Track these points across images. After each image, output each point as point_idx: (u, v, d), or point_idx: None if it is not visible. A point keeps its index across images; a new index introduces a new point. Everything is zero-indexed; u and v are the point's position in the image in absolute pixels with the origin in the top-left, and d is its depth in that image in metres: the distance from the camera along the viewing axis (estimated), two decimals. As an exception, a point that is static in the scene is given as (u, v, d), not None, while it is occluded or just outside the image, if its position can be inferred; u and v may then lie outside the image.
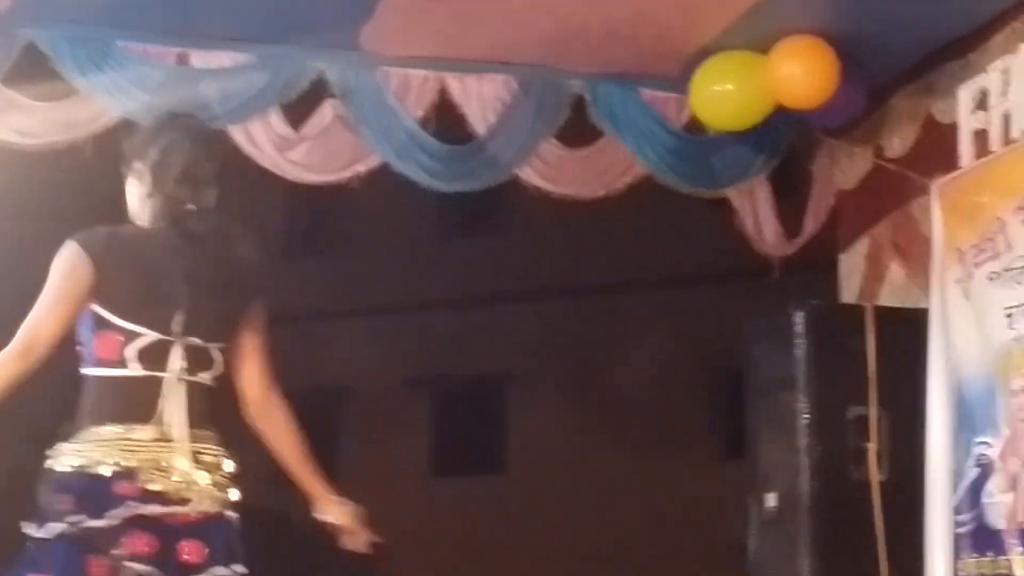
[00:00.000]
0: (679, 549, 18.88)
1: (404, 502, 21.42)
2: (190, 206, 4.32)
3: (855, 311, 6.99)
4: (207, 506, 4.20)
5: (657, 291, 20.40)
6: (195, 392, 4.26)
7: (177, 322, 4.20)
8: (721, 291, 18.15)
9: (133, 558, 4.08)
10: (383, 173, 7.59)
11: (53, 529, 4.08)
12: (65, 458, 4.17)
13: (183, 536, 4.17)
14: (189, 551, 4.17)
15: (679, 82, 7.59)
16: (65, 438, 4.20)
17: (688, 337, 19.60)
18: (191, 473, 4.17)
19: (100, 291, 4.18)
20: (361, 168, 7.60)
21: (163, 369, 4.20)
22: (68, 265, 4.18)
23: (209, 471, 4.24)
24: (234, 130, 7.30)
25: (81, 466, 4.14)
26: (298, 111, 7.49)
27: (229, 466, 4.33)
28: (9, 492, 4.40)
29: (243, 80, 7.30)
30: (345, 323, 21.95)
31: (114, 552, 4.08)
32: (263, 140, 7.43)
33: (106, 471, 4.12)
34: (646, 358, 19.67)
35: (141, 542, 4.10)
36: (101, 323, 4.20)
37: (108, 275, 4.18)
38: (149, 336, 4.18)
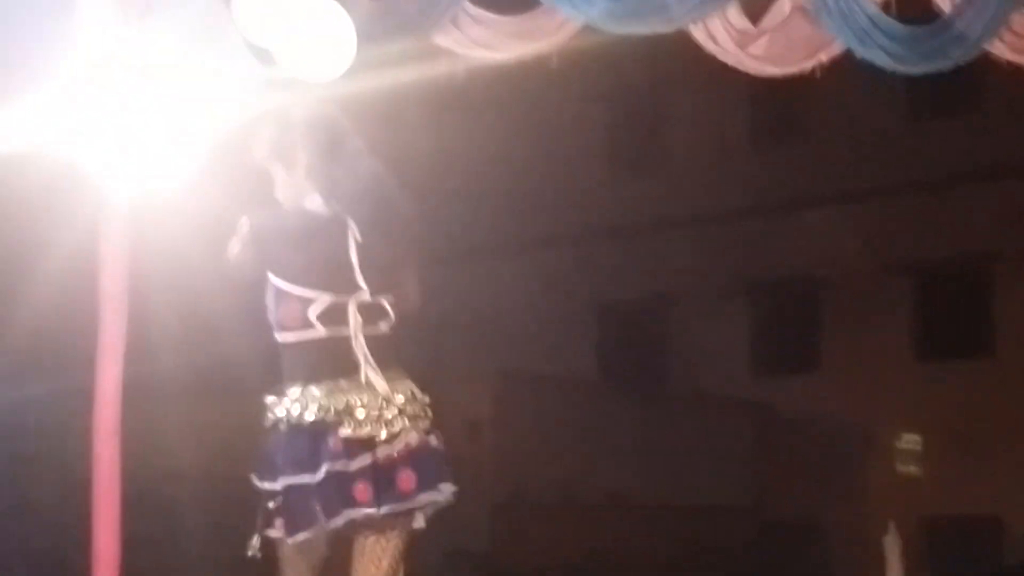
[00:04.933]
0: None
1: (888, 387, 21.21)
2: (337, 169, 4.72)
3: None
4: (411, 439, 4.65)
5: None
6: (375, 341, 4.66)
7: (348, 282, 4.64)
8: None
9: (355, 505, 4.56)
10: (846, 60, 7.49)
11: (279, 482, 4.62)
12: (275, 413, 4.69)
13: (398, 468, 4.63)
14: (403, 481, 4.63)
15: None
16: (277, 395, 4.70)
17: None
18: (389, 414, 4.63)
19: (271, 263, 4.65)
20: (823, 57, 7.51)
21: (345, 325, 4.62)
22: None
23: (404, 408, 4.68)
24: (694, 29, 7.35)
25: (288, 420, 4.64)
26: (756, 5, 7.45)
27: (424, 399, 4.76)
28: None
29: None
30: (819, 212, 21.77)
31: (332, 498, 4.57)
32: (723, 37, 7.44)
33: (310, 420, 4.60)
34: None
35: (359, 490, 4.58)
36: (280, 293, 4.66)
37: (275, 249, 4.64)
38: (325, 298, 4.61)
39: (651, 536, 19.61)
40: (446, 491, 4.70)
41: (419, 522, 4.78)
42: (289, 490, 4.60)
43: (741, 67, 7.54)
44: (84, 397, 5.77)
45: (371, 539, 4.73)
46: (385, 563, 4.75)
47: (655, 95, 23.50)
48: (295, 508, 4.59)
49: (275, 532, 4.67)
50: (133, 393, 5.74)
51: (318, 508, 4.56)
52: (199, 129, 5.58)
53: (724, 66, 7.53)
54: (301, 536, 4.59)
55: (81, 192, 5.71)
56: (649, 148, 24.15)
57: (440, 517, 4.90)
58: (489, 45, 7.27)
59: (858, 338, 21.73)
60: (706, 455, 20.60)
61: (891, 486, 20.72)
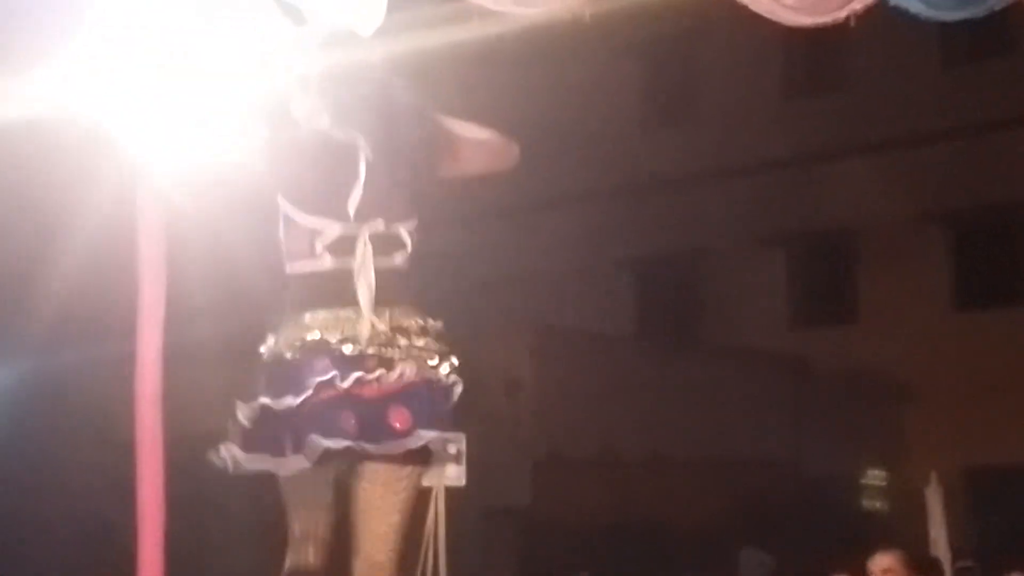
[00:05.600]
0: None
1: (928, 337, 21.15)
2: (347, 89, 4.51)
3: None
4: (407, 371, 4.31)
5: None
6: (387, 275, 4.35)
7: (360, 211, 4.36)
8: None
9: (335, 433, 4.18)
10: (879, 8, 7.43)
11: (254, 409, 4.34)
12: (268, 344, 4.43)
13: (388, 404, 4.27)
14: (396, 417, 4.28)
15: None
16: (273, 329, 4.44)
17: None
18: (389, 349, 4.30)
19: (282, 182, 4.43)
20: (857, 6, 7.45)
21: (352, 256, 4.33)
22: None
23: (406, 343, 4.34)
24: (726, -21, 7.29)
25: (278, 350, 4.37)
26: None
27: (435, 329, 4.43)
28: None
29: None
30: (854, 161, 21.69)
31: (302, 428, 4.21)
32: (757, -13, 7.38)
33: (297, 352, 4.31)
34: None
35: (344, 417, 4.21)
36: (289, 221, 4.43)
37: (287, 167, 4.43)
38: (335, 228, 4.34)
39: (690, 491, 19.66)
40: (448, 436, 4.34)
41: (456, 479, 4.60)
42: (263, 411, 4.32)
43: (774, 17, 7.47)
44: (126, 363, 5.81)
45: (378, 492, 4.40)
46: (395, 518, 4.43)
47: (688, 47, 23.41)
48: (263, 432, 4.30)
49: (233, 452, 4.38)
50: (174, 358, 5.77)
51: (287, 437, 4.24)
52: (233, 92, 5.58)
53: (757, 16, 7.48)
54: (255, 457, 4.31)
55: (118, 157, 5.73)
56: (683, 100, 24.08)
57: (480, 474, 4.81)
58: (523, 1, 7.23)
59: (896, 288, 21.67)
60: (745, 410, 20.60)
61: (932, 437, 20.68)
